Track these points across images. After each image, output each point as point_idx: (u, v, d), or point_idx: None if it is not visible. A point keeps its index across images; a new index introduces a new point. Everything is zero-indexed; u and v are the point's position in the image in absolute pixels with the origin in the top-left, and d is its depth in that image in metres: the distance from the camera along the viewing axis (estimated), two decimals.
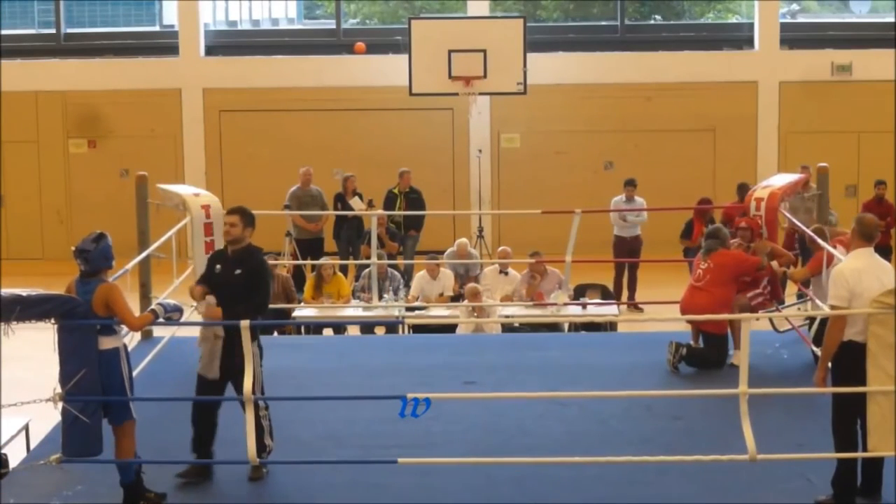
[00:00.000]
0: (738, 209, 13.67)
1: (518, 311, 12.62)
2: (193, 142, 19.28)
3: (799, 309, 11.33)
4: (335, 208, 15.61)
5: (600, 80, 18.75)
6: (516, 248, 14.08)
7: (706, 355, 10.11)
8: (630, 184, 15.31)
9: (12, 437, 8.47)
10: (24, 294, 6.97)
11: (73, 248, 7.21)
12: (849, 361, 6.96)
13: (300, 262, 14.80)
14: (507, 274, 13.16)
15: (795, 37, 19.17)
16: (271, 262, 13.03)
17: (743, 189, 14.63)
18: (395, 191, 15.70)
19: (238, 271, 7.50)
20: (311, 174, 15.73)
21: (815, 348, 9.58)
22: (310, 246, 15.32)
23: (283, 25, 23.01)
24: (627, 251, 15.05)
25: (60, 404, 7.07)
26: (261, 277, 7.54)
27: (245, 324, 7.17)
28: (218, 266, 7.63)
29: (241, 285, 7.45)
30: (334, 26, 19.76)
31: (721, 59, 19.02)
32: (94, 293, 7.03)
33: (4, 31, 19.40)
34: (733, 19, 20.93)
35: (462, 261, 13.86)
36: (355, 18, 21.14)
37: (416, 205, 15.42)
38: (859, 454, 7.08)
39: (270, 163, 18.87)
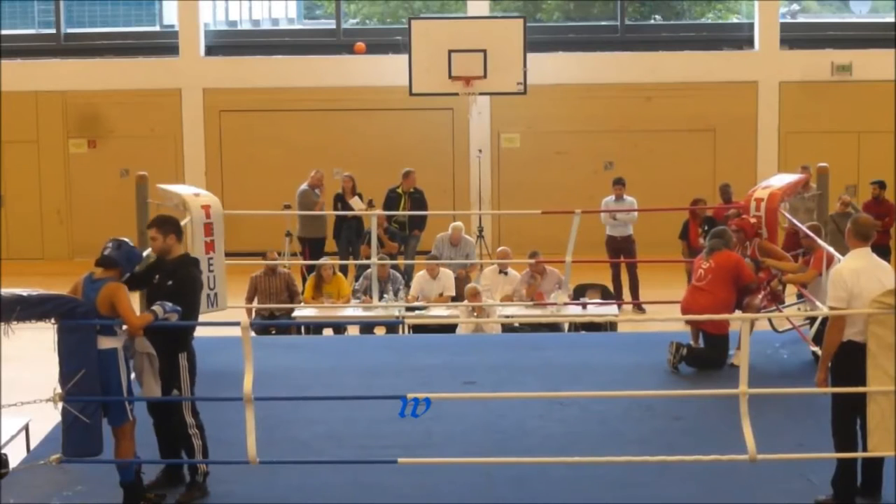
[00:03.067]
0: (725, 210, 13.82)
1: (518, 311, 12.62)
2: (193, 142, 19.28)
3: (799, 309, 11.34)
4: (335, 208, 15.62)
5: (600, 80, 18.75)
6: (516, 248, 14.08)
7: (706, 355, 10.12)
8: (619, 182, 15.35)
9: (12, 437, 8.47)
10: (24, 294, 6.97)
11: (110, 238, 7.21)
12: (849, 361, 6.96)
13: (299, 262, 14.81)
14: (506, 274, 13.16)
15: (795, 37, 19.16)
16: (272, 261, 13.11)
17: (725, 190, 14.71)
18: (399, 190, 15.70)
19: (170, 282, 7.34)
20: (321, 177, 15.79)
21: (815, 348, 9.59)
22: (313, 246, 15.34)
23: (283, 25, 23.00)
24: (619, 250, 15.08)
25: (60, 404, 7.07)
26: (185, 289, 7.36)
27: (245, 323, 7.18)
28: (156, 276, 7.45)
29: (172, 296, 7.27)
30: (334, 26, 19.76)
31: (721, 59, 19.02)
32: (100, 290, 7.03)
33: (4, 31, 19.40)
34: (733, 19, 20.93)
35: (452, 261, 13.83)
36: (355, 18, 21.14)
37: (420, 205, 15.42)
38: (859, 454, 7.09)
39: (270, 163, 18.87)
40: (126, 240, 7.21)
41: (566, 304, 12.40)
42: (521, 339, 11.98)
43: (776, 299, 10.61)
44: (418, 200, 15.53)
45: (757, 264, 10.32)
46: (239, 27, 22.04)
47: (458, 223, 14.47)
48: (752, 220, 10.62)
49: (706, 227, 14.64)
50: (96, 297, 7.03)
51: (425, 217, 15.45)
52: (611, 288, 14.36)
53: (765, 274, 10.36)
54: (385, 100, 18.49)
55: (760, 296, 10.33)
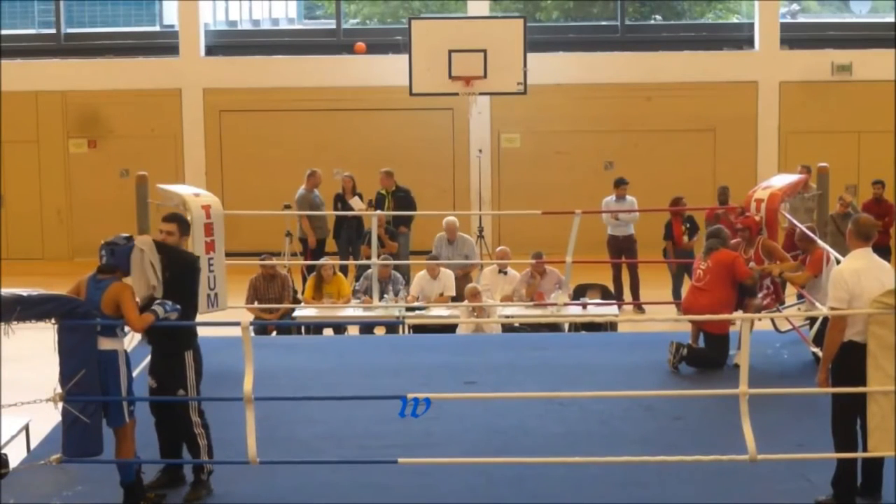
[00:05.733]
0: (715, 211, 13.96)
1: (518, 311, 12.62)
2: (193, 142, 19.28)
3: (799, 309, 11.34)
4: (335, 208, 15.61)
5: (600, 80, 18.75)
6: (516, 248, 14.07)
7: (707, 355, 10.12)
8: (621, 183, 15.36)
9: (12, 437, 8.46)
10: (24, 294, 6.97)
11: (102, 241, 7.19)
12: (849, 362, 6.96)
13: (299, 262, 14.80)
14: (506, 273, 13.15)
15: (795, 37, 19.17)
16: (267, 262, 13.08)
17: (723, 192, 14.79)
18: (383, 192, 15.69)
19: (168, 274, 7.33)
20: (319, 177, 15.74)
21: (814, 349, 9.59)
22: (316, 247, 15.33)
23: (283, 25, 23.00)
24: (621, 250, 15.11)
25: (60, 404, 7.07)
26: (185, 279, 7.39)
27: (245, 323, 7.17)
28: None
29: (171, 286, 7.29)
30: (334, 26, 19.76)
31: (721, 59, 19.02)
32: (106, 290, 7.03)
33: (4, 31, 19.40)
34: (733, 19, 20.94)
35: (451, 262, 13.73)
36: (355, 18, 21.14)
37: (405, 203, 15.36)
38: (859, 454, 7.09)
39: (270, 163, 18.88)
40: (116, 241, 7.15)
41: (566, 304, 12.40)
42: (521, 339, 11.97)
43: (777, 297, 10.60)
44: (402, 199, 15.47)
45: (760, 275, 10.29)
46: (239, 27, 22.04)
47: (452, 218, 14.36)
48: (757, 219, 10.63)
49: (688, 225, 14.73)
50: (101, 296, 7.03)
51: (411, 216, 15.40)
52: (611, 288, 14.37)
53: (765, 277, 10.34)
54: (385, 100, 18.49)
55: (761, 294, 10.33)
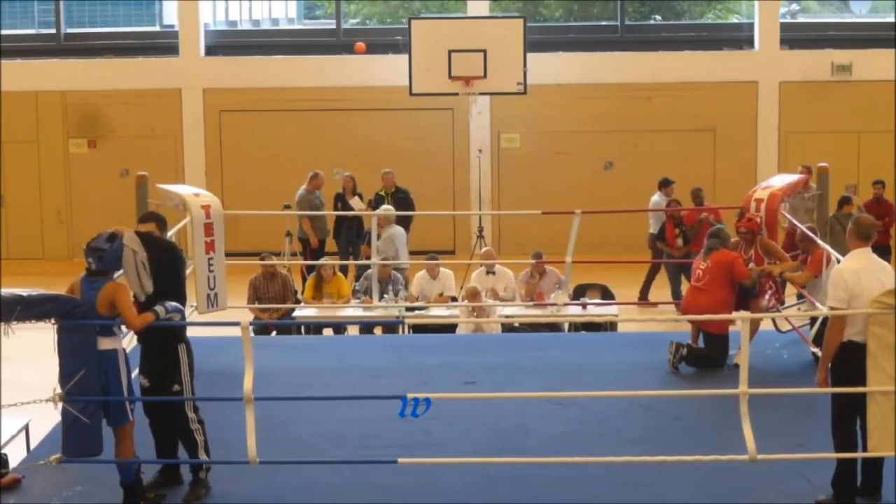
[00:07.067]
0: (697, 214, 14.02)
1: (518, 311, 12.62)
2: (193, 142, 19.28)
3: (799, 309, 11.34)
4: (335, 208, 15.61)
5: (600, 80, 18.75)
6: (516, 248, 14.08)
7: (706, 355, 10.13)
8: (669, 183, 15.46)
9: (12, 437, 8.47)
10: (24, 294, 6.97)
11: (84, 247, 7.18)
12: (849, 362, 6.96)
13: (299, 262, 14.80)
14: (494, 273, 13.08)
15: (795, 37, 19.17)
16: (268, 262, 13.07)
17: (697, 194, 14.82)
18: (382, 192, 15.68)
19: (156, 265, 7.35)
20: (321, 179, 15.72)
21: (814, 349, 9.59)
22: (317, 247, 15.33)
23: (283, 25, 23.00)
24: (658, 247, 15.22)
25: (60, 404, 7.07)
26: (172, 266, 7.44)
27: (245, 323, 7.17)
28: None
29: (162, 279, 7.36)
30: (334, 26, 19.77)
31: (721, 59, 19.02)
32: (100, 291, 7.02)
33: (4, 31, 19.40)
34: (733, 19, 20.93)
35: (382, 262, 13.52)
36: (355, 18, 21.14)
37: (404, 204, 15.37)
38: (859, 454, 7.09)
39: (270, 163, 18.88)
40: (100, 246, 7.12)
41: (566, 304, 12.40)
42: (521, 339, 11.97)
43: (778, 298, 10.60)
44: (402, 200, 15.46)
45: (759, 276, 10.29)
46: (239, 27, 22.04)
47: (385, 205, 14.35)
48: (757, 220, 10.63)
49: (681, 228, 14.72)
50: (96, 296, 7.02)
51: (410, 216, 15.40)
52: (611, 288, 14.36)
53: (766, 278, 10.35)
54: (385, 100, 18.49)
55: (767, 295, 10.33)
